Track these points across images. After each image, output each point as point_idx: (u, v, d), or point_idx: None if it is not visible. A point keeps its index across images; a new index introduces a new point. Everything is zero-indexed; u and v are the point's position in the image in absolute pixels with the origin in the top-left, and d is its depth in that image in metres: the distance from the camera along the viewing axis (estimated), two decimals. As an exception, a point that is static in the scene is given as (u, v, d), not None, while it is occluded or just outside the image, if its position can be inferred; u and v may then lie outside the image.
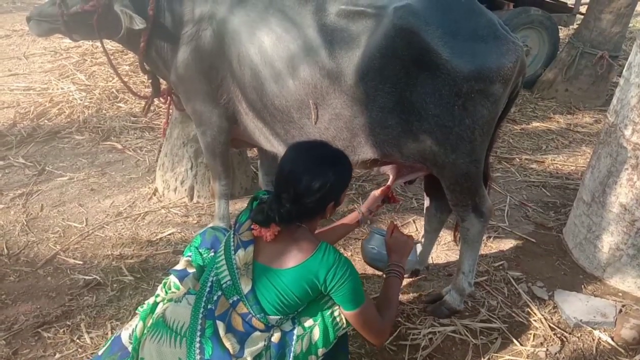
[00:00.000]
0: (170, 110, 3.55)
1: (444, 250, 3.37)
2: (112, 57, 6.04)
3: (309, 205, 1.85)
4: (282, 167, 1.89)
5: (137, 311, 2.07)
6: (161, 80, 3.22)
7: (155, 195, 3.82)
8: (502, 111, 2.43)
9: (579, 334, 2.71)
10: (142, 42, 2.80)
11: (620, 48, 6.15)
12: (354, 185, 4.05)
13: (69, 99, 5.19)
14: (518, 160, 4.68)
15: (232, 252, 1.88)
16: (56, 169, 4.06)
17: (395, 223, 2.44)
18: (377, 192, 2.58)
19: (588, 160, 4.64)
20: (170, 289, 2.00)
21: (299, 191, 1.82)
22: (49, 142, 4.46)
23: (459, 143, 2.32)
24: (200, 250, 2.14)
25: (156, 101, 4.45)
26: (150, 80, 3.18)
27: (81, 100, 5.16)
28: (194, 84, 2.77)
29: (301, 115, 2.49)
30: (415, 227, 3.60)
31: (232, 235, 1.93)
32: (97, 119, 4.87)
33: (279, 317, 1.89)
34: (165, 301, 1.96)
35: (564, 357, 2.56)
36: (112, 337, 2.05)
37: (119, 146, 4.46)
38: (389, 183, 2.61)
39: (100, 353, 2.03)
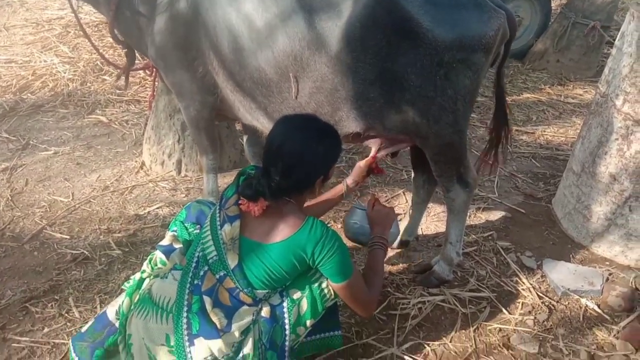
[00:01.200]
0: (156, 83, 3.48)
1: (433, 221, 3.37)
2: (96, 29, 5.94)
3: (298, 180, 1.83)
4: (270, 141, 1.85)
5: (123, 287, 2.05)
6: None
7: (142, 169, 3.77)
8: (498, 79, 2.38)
9: (567, 302, 2.74)
10: (112, 5, 2.71)
11: (612, 18, 6.10)
12: (343, 158, 4.03)
13: (52, 71, 5.08)
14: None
15: (218, 227, 1.85)
16: (40, 143, 3.99)
17: (376, 196, 2.42)
18: (361, 164, 2.54)
19: (578, 131, 4.63)
20: (156, 265, 1.98)
21: (288, 165, 1.79)
22: (32, 116, 4.37)
23: (441, 114, 2.29)
24: (185, 225, 2.11)
25: (142, 73, 4.37)
26: (124, 51, 3.10)
27: (65, 73, 5.05)
28: (171, 57, 2.68)
29: (281, 88, 2.43)
30: (405, 199, 3.59)
31: (217, 210, 1.90)
32: (82, 92, 4.77)
33: (267, 291, 1.88)
34: (152, 277, 1.94)
35: (551, 325, 2.59)
36: (96, 315, 2.03)
37: (105, 119, 4.39)
38: (372, 154, 2.57)
39: (83, 330, 2.00)
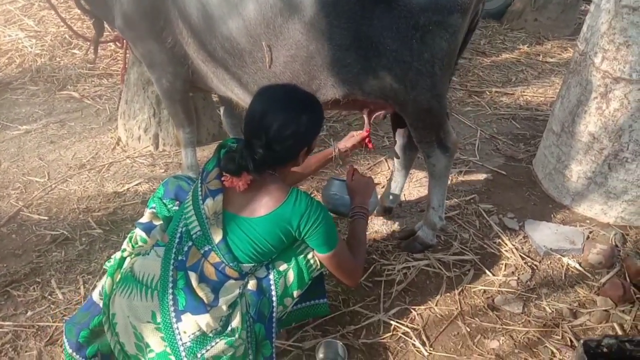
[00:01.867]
0: (127, 55, 3.37)
1: (416, 187, 3.37)
2: (64, 0, 5.70)
3: (282, 152, 1.79)
4: (252, 113, 1.80)
5: (104, 267, 2.02)
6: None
7: (118, 145, 3.68)
8: (462, 42, 2.36)
9: (549, 262, 2.78)
10: None
11: (589, -26, 6.06)
12: (324, 127, 3.98)
13: (18, 47, 4.89)
14: (488, 93, 4.65)
15: (201, 202, 1.82)
16: (11, 122, 3.87)
17: (354, 166, 2.41)
18: (355, 134, 2.53)
19: (557, 91, 4.65)
20: (137, 243, 1.94)
21: (271, 137, 1.75)
22: (1, 94, 4.22)
23: (418, 78, 2.25)
24: (164, 201, 2.07)
25: (112, 46, 4.23)
26: (92, 21, 2.98)
27: (32, 47, 4.86)
28: (139, 26, 2.57)
29: (254, 58, 2.35)
30: (387, 166, 3.58)
31: (199, 185, 1.86)
32: (51, 67, 4.61)
33: (253, 264, 1.86)
34: (133, 255, 1.91)
35: (534, 285, 2.63)
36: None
37: (77, 95, 4.26)
38: (366, 127, 2.55)
39: (74, 315, 1.99)
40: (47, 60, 4.71)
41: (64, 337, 1.93)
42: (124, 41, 3.13)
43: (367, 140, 2.56)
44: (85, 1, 2.80)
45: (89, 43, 3.16)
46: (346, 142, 2.56)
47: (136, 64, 3.45)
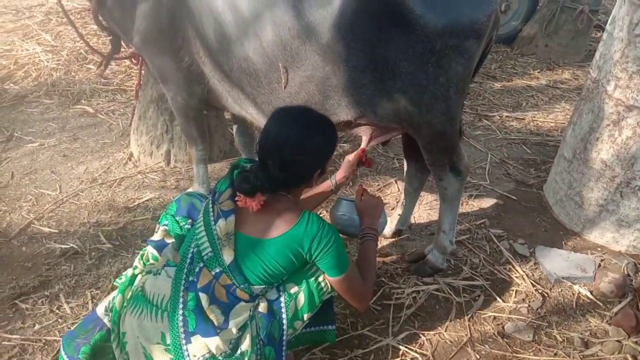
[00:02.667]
0: (142, 71, 3.41)
1: (426, 209, 3.36)
2: (79, 16, 5.80)
3: (296, 173, 1.80)
4: (266, 134, 1.82)
5: (114, 283, 2.01)
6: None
7: (130, 160, 3.71)
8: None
9: (560, 289, 2.76)
10: None
11: (600, 2, 6.12)
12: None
13: (35, 60, 4.96)
14: (498, 117, 4.66)
15: (212, 223, 1.82)
16: (25, 135, 3.90)
17: (363, 186, 2.40)
18: (350, 157, 2.48)
19: (568, 116, 4.66)
20: (148, 261, 1.94)
21: (286, 158, 1.76)
22: (16, 107, 4.27)
23: (433, 102, 2.26)
24: (177, 219, 2.07)
25: (129, 62, 4.28)
26: (109, 38, 3.02)
27: (48, 62, 4.94)
28: (156, 45, 2.61)
29: (270, 79, 2.37)
30: (397, 188, 3.58)
31: (211, 205, 1.86)
32: (66, 81, 4.67)
33: (264, 286, 1.86)
34: (144, 273, 1.91)
35: (545, 312, 2.61)
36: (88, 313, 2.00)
37: (91, 110, 4.30)
38: (362, 146, 2.53)
39: (72, 329, 1.97)
40: (63, 75, 4.77)
41: (62, 350, 1.90)
42: (140, 58, 3.17)
43: (364, 160, 2.52)
44: (104, 18, 2.84)
45: (94, 54, 3.20)
46: (344, 171, 2.46)
47: (150, 81, 3.49)
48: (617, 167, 2.94)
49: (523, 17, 6.46)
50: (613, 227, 3.04)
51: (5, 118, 4.10)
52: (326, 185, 2.45)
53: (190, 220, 2.08)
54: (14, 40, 5.32)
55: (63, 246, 2.87)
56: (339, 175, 2.46)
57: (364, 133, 2.56)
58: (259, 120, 2.60)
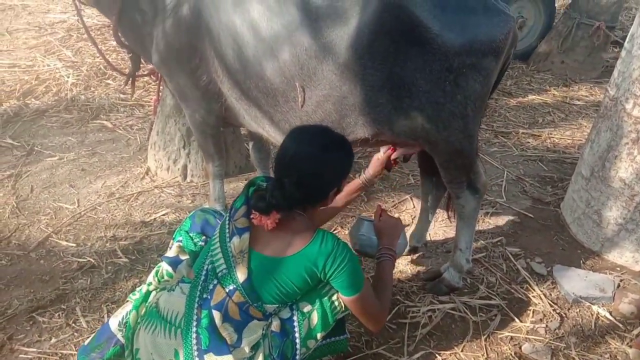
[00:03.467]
0: (161, 87, 3.46)
1: (442, 227, 3.34)
2: (99, 32, 5.91)
3: (313, 192, 1.80)
4: (284, 153, 1.83)
5: (128, 299, 2.03)
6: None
7: (147, 175, 3.75)
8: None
9: (578, 310, 2.71)
10: (115, 8, 2.66)
11: (617, 18, 6.07)
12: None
13: (55, 76, 5.06)
14: (515, 134, 4.64)
15: (227, 240, 1.82)
16: (45, 149, 3.97)
17: (382, 207, 2.41)
18: (379, 155, 2.54)
19: (584, 133, 4.61)
20: (163, 277, 1.95)
21: (302, 177, 1.77)
22: (36, 122, 4.35)
23: (451, 119, 2.26)
24: (190, 235, 2.08)
25: (146, 77, 4.35)
26: (129, 55, 3.07)
27: (68, 77, 5.03)
28: (174, 63, 2.65)
29: (287, 97, 2.39)
30: (412, 204, 3.57)
31: (227, 222, 1.87)
32: (86, 96, 4.75)
33: (277, 305, 1.85)
34: (158, 290, 1.92)
35: (563, 333, 2.56)
36: (100, 327, 2.00)
37: (109, 125, 4.37)
38: (390, 147, 2.55)
39: (86, 343, 1.99)
40: (82, 90, 4.86)
41: None
42: (158, 74, 3.22)
43: (392, 160, 2.55)
44: (124, 35, 2.90)
45: (124, 77, 3.25)
46: (373, 168, 2.54)
47: (169, 96, 3.54)
48: (637, 185, 2.90)
49: (539, 33, 6.45)
50: (632, 246, 2.99)
51: (26, 132, 4.18)
52: (355, 182, 2.48)
53: (204, 237, 2.09)
54: (36, 56, 5.44)
55: (80, 260, 2.90)
56: (369, 172, 2.50)
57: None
58: (275, 137, 2.62)
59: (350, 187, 2.52)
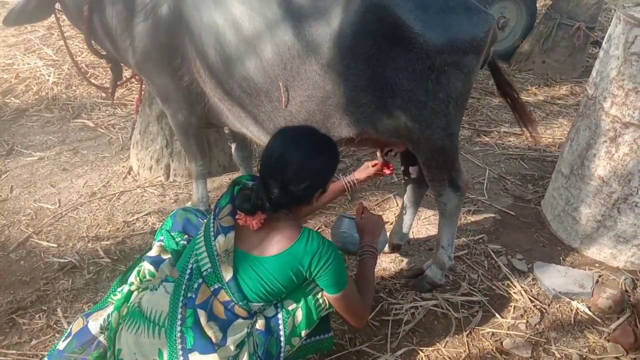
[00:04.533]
0: (143, 86, 3.43)
1: (425, 224, 3.37)
2: (80, 38, 5.82)
3: (298, 192, 1.81)
4: (269, 154, 1.83)
5: (110, 300, 2.01)
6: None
7: (130, 174, 3.72)
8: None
9: (558, 305, 2.76)
10: (84, 16, 2.63)
11: (597, 19, 6.17)
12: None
13: (36, 74, 5.00)
14: (496, 133, 4.69)
15: (212, 239, 1.82)
16: (25, 149, 3.92)
17: (364, 204, 2.43)
18: (370, 164, 2.58)
19: (565, 132, 4.68)
20: (145, 277, 1.94)
21: (288, 178, 1.77)
22: (16, 121, 4.29)
23: (433, 117, 2.29)
24: (172, 234, 2.07)
25: (129, 75, 4.32)
26: (109, 65, 3.04)
27: (49, 76, 4.97)
28: (155, 64, 2.62)
29: (271, 97, 2.39)
30: (395, 202, 3.59)
31: (212, 220, 1.87)
32: (67, 95, 4.70)
33: (262, 304, 1.86)
34: (140, 289, 1.90)
35: (543, 328, 2.60)
36: (77, 330, 1.93)
37: (91, 124, 4.32)
38: (380, 158, 2.58)
39: (61, 347, 1.90)
40: (63, 89, 4.80)
41: None
42: (140, 75, 3.19)
43: (384, 169, 2.59)
44: (99, 44, 2.85)
45: (106, 91, 3.21)
46: (361, 173, 2.58)
47: (151, 95, 3.51)
48: (614, 183, 2.95)
49: (521, 33, 6.52)
50: (611, 242, 3.05)
51: (6, 131, 4.12)
52: (339, 184, 2.51)
53: (186, 236, 2.09)
54: (16, 54, 5.36)
55: (61, 260, 2.87)
56: (356, 174, 2.56)
57: (374, 149, 2.61)
58: (259, 137, 2.62)
59: (334, 187, 2.53)
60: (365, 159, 4.08)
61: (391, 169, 2.63)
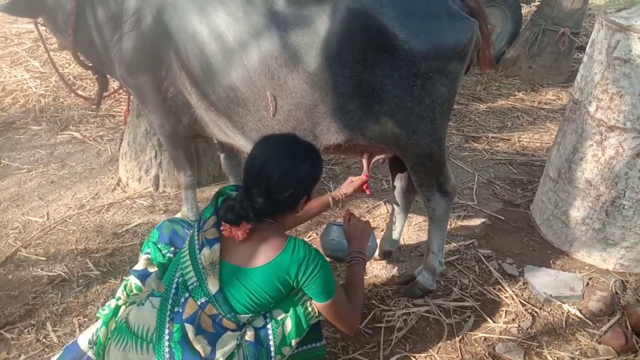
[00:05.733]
0: (131, 97, 3.43)
1: (415, 230, 3.38)
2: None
3: (282, 201, 1.80)
4: (252, 163, 1.82)
5: (98, 315, 1.99)
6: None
7: (119, 185, 3.70)
8: None
9: (549, 309, 2.77)
10: (69, 29, 2.62)
11: (581, 25, 6.26)
12: (324, 169, 4.01)
13: (23, 87, 4.97)
14: (485, 138, 4.72)
15: (197, 252, 1.80)
16: (13, 162, 3.89)
17: (351, 210, 2.44)
18: (354, 179, 2.57)
19: (553, 136, 4.72)
20: (131, 291, 1.92)
21: (271, 187, 1.77)
22: (3, 134, 4.26)
23: (419, 123, 2.31)
24: (159, 246, 2.05)
25: (116, 87, 4.30)
26: (95, 76, 3.03)
27: (36, 88, 4.94)
28: (140, 76, 2.61)
29: (258, 107, 2.39)
30: (385, 209, 3.60)
31: (196, 233, 1.85)
32: (55, 107, 4.68)
33: (250, 315, 1.84)
34: (127, 304, 1.89)
35: (535, 332, 2.61)
36: (66, 345, 1.95)
37: (79, 136, 4.30)
38: (365, 172, 2.59)
39: None
40: (51, 101, 4.77)
41: None
42: (127, 86, 3.18)
43: (364, 187, 2.60)
44: (85, 56, 2.84)
45: (92, 102, 3.21)
46: (346, 188, 2.59)
47: (139, 106, 3.50)
48: (602, 186, 2.98)
49: (507, 40, 6.60)
50: (600, 245, 3.07)
51: (-7, 145, 4.09)
52: (324, 198, 2.51)
53: (172, 248, 2.07)
54: (2, 67, 5.33)
55: (50, 273, 2.84)
56: (341, 190, 2.55)
57: (364, 160, 2.61)
58: (247, 147, 2.61)
59: (319, 201, 2.53)
60: (355, 166, 4.09)
61: (370, 191, 2.65)
